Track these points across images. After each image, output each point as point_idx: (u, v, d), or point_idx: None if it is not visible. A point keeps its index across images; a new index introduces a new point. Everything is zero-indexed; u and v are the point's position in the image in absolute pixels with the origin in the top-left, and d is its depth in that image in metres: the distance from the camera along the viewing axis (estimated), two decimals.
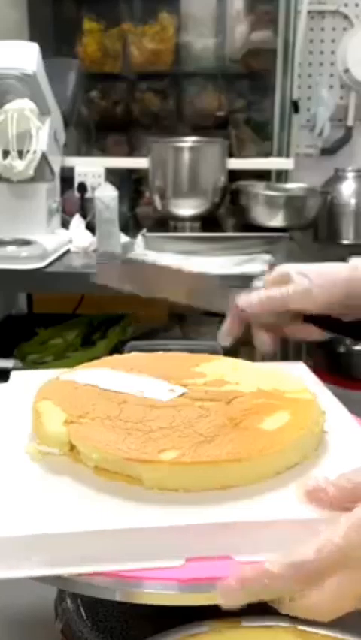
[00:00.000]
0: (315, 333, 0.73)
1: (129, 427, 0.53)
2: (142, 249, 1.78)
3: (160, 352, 0.72)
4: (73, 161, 2.09)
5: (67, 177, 2.04)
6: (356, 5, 2.46)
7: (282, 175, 2.30)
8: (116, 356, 0.71)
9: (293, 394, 0.60)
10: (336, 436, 0.58)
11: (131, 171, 2.26)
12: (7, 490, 0.50)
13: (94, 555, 0.46)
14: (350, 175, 2.17)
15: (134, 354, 0.72)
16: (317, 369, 0.79)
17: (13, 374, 0.71)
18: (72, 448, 0.53)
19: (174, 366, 0.66)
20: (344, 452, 0.56)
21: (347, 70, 2.46)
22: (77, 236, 1.87)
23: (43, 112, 1.79)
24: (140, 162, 2.13)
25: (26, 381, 0.67)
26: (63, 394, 0.60)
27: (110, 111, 2.53)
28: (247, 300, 0.73)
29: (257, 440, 0.52)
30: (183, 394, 0.59)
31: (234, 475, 0.50)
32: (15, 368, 0.72)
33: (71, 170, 2.07)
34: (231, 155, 2.18)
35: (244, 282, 1.67)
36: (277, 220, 1.96)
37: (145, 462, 0.49)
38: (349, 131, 2.54)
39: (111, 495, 0.49)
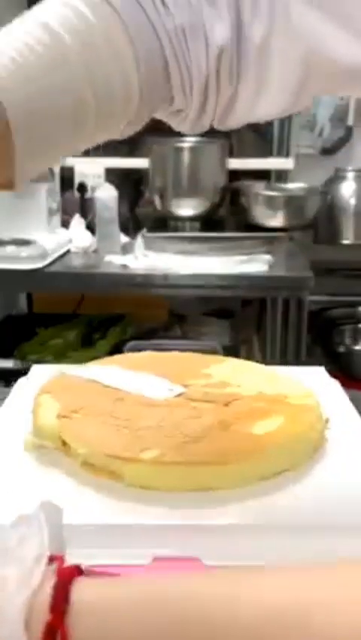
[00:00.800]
0: None
1: (119, 425, 0.54)
2: (142, 249, 1.78)
3: (175, 352, 0.72)
4: (73, 161, 2.09)
5: (67, 177, 2.04)
6: None
7: (282, 175, 2.30)
8: (129, 354, 0.71)
9: (295, 399, 0.59)
10: (338, 445, 0.57)
11: (131, 171, 2.25)
12: None
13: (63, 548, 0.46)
14: (350, 175, 2.17)
15: (148, 352, 0.73)
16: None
17: (34, 367, 0.73)
18: (65, 442, 0.54)
19: (183, 367, 0.66)
20: (342, 462, 0.55)
21: None
22: (77, 236, 1.86)
23: None
24: (140, 162, 2.13)
25: (45, 375, 0.68)
26: (64, 389, 0.61)
27: None
28: None
29: (241, 443, 0.51)
30: (181, 394, 0.59)
31: (213, 478, 0.50)
32: (15, 368, 0.72)
33: (71, 170, 2.07)
34: (231, 155, 2.17)
35: (244, 282, 1.68)
36: (277, 220, 1.96)
37: (126, 459, 0.50)
38: (349, 131, 2.53)
39: (95, 490, 0.50)
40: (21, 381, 0.69)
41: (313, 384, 0.63)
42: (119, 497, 0.49)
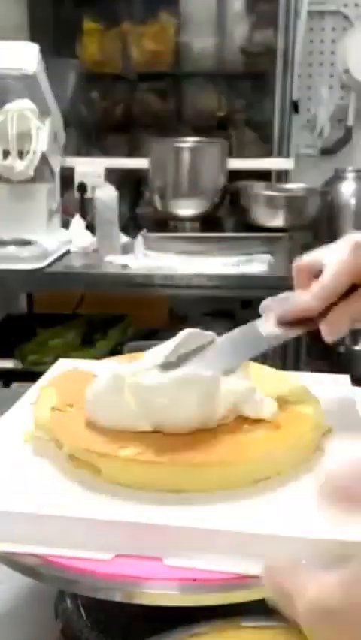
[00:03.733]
0: None
1: None
2: (142, 249, 1.78)
3: None
4: (73, 162, 2.09)
5: (67, 177, 2.04)
6: (356, 5, 2.46)
7: (282, 175, 2.30)
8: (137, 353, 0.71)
9: (293, 406, 0.58)
10: (333, 456, 0.55)
11: (131, 171, 2.25)
12: None
13: (29, 536, 0.47)
14: (350, 175, 2.17)
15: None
16: (317, 369, 0.79)
17: (60, 361, 0.74)
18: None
19: None
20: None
21: (347, 71, 2.45)
22: (77, 236, 1.87)
23: (44, 112, 1.79)
24: (140, 162, 2.13)
25: (69, 367, 0.69)
26: (69, 383, 0.62)
27: (110, 111, 2.53)
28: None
29: (222, 448, 0.51)
30: None
31: (187, 480, 0.50)
32: (15, 368, 0.73)
33: (71, 170, 2.07)
34: (231, 156, 2.17)
35: (244, 282, 1.68)
36: (277, 220, 1.96)
37: (103, 455, 0.51)
38: (349, 131, 2.54)
39: (78, 483, 0.51)
40: (45, 375, 0.70)
41: (330, 392, 0.62)
42: (99, 492, 0.50)
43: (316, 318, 0.56)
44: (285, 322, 0.58)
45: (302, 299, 0.56)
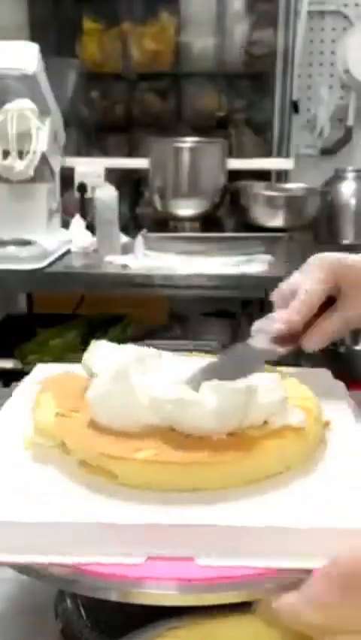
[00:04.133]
0: None
1: None
2: (142, 249, 1.78)
3: (194, 353, 0.72)
4: (73, 162, 2.09)
5: (67, 177, 2.04)
6: (356, 5, 2.46)
7: (282, 175, 2.30)
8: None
9: (294, 401, 0.58)
10: (338, 448, 0.56)
11: (131, 171, 2.25)
12: None
13: (55, 546, 0.46)
14: (350, 175, 2.17)
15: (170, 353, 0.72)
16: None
17: (38, 366, 0.74)
18: (63, 441, 0.54)
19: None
20: (340, 465, 0.54)
21: (347, 71, 2.46)
22: (77, 236, 1.86)
23: (44, 112, 1.79)
24: (140, 162, 2.13)
25: (48, 374, 0.68)
26: (65, 387, 0.62)
27: (110, 111, 2.53)
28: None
29: (235, 444, 0.51)
30: None
31: (206, 478, 0.50)
32: (15, 368, 0.73)
33: (71, 170, 2.07)
34: (231, 155, 2.17)
35: (244, 282, 1.68)
36: (277, 220, 1.96)
37: (119, 459, 0.50)
38: (349, 131, 2.54)
39: (90, 489, 0.50)
40: (25, 380, 0.70)
41: (316, 386, 0.63)
42: (115, 496, 0.49)
43: (300, 333, 0.64)
44: (274, 339, 0.64)
45: (284, 314, 0.64)
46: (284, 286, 0.67)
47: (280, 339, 0.64)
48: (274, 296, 0.67)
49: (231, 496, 0.49)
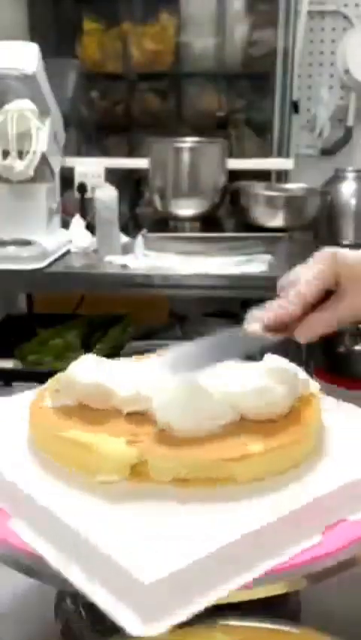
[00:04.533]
0: None
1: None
2: (142, 249, 1.78)
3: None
4: (73, 162, 2.09)
5: (67, 177, 2.04)
6: (356, 5, 2.46)
7: (282, 175, 2.30)
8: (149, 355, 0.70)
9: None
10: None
11: (131, 171, 2.25)
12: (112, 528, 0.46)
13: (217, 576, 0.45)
14: (350, 175, 2.17)
15: (154, 354, 0.72)
16: (317, 369, 0.79)
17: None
18: (133, 469, 0.51)
19: None
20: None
21: (347, 71, 2.46)
22: (77, 236, 1.86)
23: (43, 112, 1.79)
24: (140, 162, 2.13)
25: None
26: (80, 418, 0.56)
27: (110, 111, 2.53)
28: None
29: (289, 428, 0.55)
30: None
31: (301, 456, 0.54)
32: (15, 368, 0.72)
33: (71, 170, 2.07)
34: (231, 155, 2.17)
35: (244, 282, 1.68)
36: (277, 220, 1.96)
37: (238, 458, 0.50)
38: (349, 131, 2.54)
39: (200, 504, 0.48)
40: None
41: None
42: (229, 501, 0.49)
43: (295, 324, 0.63)
44: (268, 327, 0.63)
45: (280, 302, 0.64)
46: (287, 277, 0.66)
47: (272, 327, 0.63)
48: (277, 287, 0.67)
49: (247, 493, 0.50)
